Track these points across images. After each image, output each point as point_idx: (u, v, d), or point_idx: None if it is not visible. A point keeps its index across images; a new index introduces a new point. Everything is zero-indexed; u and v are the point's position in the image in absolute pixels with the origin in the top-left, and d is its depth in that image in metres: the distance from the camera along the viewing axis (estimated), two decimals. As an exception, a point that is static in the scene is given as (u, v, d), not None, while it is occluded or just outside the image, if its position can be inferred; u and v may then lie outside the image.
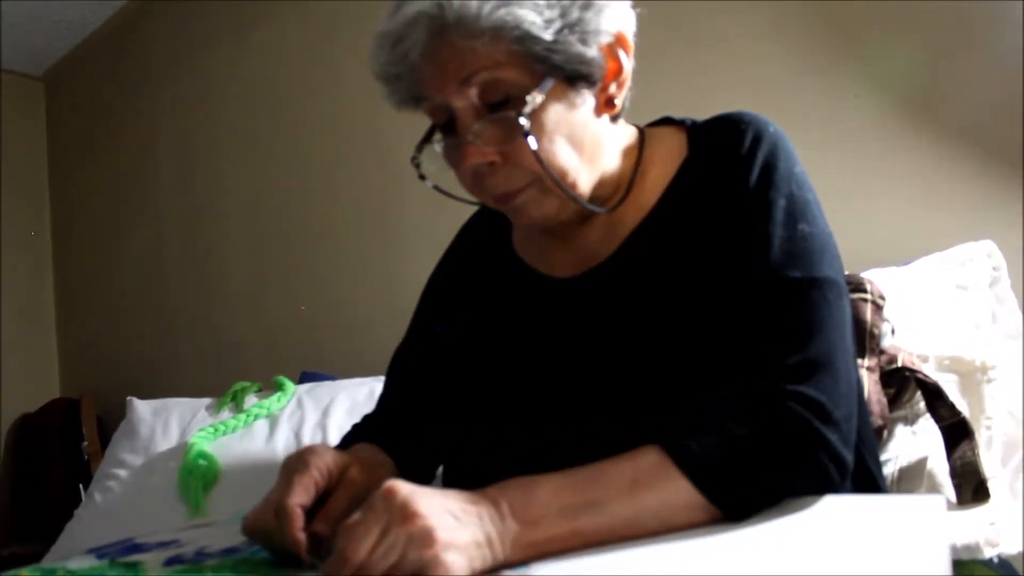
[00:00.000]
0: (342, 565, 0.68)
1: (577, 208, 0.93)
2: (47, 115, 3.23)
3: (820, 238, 0.89)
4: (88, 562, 0.80)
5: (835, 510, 0.74)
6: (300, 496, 0.80)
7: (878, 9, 1.95)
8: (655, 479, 0.75)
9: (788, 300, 0.84)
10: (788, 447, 0.77)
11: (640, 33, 0.94)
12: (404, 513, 0.68)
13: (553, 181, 0.88)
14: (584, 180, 0.91)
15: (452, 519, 0.69)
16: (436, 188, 0.94)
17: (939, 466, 1.25)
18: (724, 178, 0.92)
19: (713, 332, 0.87)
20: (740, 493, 0.75)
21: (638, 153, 1.00)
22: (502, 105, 0.85)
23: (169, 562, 0.74)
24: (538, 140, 0.86)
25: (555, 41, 0.83)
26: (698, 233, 0.92)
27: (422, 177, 0.93)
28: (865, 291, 1.26)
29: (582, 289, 0.98)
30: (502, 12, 0.81)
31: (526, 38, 0.82)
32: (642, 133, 1.03)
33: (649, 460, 0.76)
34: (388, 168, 2.51)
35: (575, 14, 0.84)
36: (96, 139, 3.11)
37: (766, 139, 0.93)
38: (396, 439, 1.04)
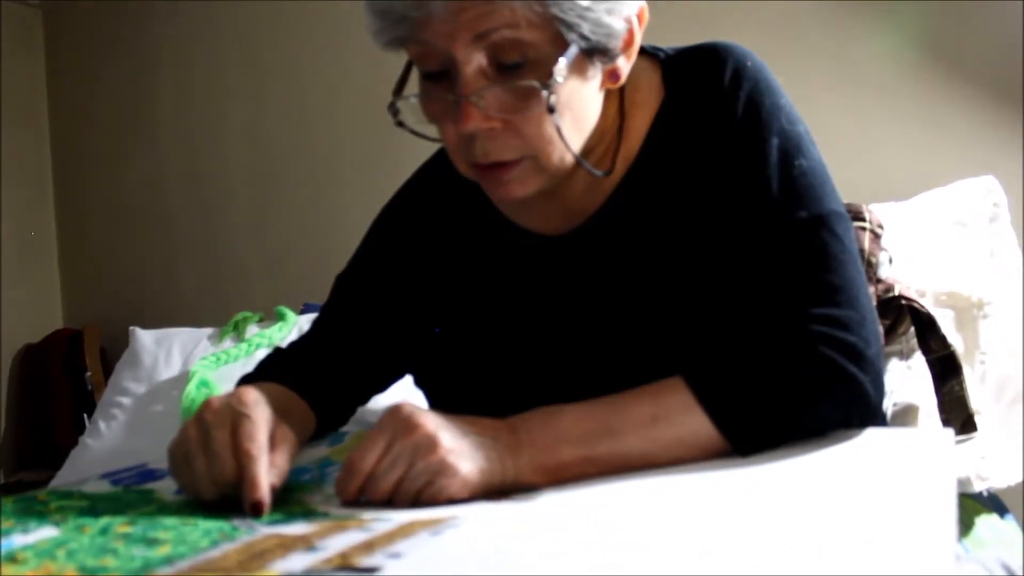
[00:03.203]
0: (351, 477, 0.70)
1: (564, 175, 0.87)
2: (45, 43, 3.19)
3: (817, 170, 0.85)
4: (103, 487, 0.80)
5: (841, 443, 0.73)
6: (263, 442, 0.72)
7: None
8: (676, 414, 0.74)
9: (799, 243, 0.81)
10: (821, 392, 0.75)
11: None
12: (408, 424, 0.70)
13: (548, 157, 0.81)
14: (578, 150, 0.84)
15: (457, 429, 0.71)
16: (415, 133, 0.85)
17: (931, 406, 1.26)
18: (707, 118, 0.87)
19: (716, 278, 0.85)
20: (761, 436, 0.74)
21: (620, 99, 0.91)
22: (515, 68, 0.77)
23: (180, 490, 0.76)
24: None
25: (588, 8, 0.75)
26: (686, 179, 0.88)
27: (400, 124, 0.85)
28: (864, 219, 1.25)
29: (575, 246, 0.93)
30: None
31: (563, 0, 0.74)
32: None
33: (672, 394, 0.75)
34: (391, 97, 2.49)
35: None
36: (95, 67, 3.08)
37: (747, 73, 0.87)
38: (319, 381, 0.97)
